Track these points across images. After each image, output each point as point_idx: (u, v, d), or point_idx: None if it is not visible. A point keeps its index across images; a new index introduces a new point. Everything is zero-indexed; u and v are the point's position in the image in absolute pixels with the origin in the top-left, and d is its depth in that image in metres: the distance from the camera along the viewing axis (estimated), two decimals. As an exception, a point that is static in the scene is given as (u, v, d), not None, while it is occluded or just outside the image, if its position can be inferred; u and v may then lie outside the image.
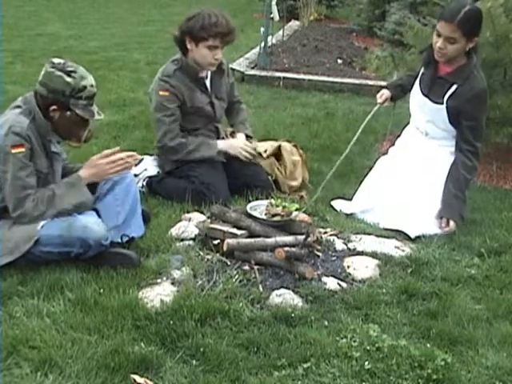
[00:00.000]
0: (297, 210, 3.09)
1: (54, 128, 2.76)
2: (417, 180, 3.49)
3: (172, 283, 2.68)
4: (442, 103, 3.43)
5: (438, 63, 3.48)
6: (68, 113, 2.72)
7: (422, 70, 3.61)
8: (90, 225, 2.70)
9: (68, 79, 2.66)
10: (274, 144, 3.88)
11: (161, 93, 3.54)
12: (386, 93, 3.83)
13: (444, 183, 3.45)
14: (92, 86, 2.73)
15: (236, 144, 3.73)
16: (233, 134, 3.86)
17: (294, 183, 3.80)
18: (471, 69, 3.39)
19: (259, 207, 3.13)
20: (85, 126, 2.80)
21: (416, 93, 3.61)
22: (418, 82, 3.61)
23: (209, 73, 3.67)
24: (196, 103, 3.62)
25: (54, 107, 2.69)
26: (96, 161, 2.84)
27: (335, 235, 3.18)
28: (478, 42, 3.41)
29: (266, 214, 3.06)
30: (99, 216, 2.88)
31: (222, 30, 3.45)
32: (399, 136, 3.90)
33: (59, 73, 2.66)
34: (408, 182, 3.49)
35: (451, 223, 3.33)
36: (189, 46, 3.54)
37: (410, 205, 3.39)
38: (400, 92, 3.87)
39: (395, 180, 3.54)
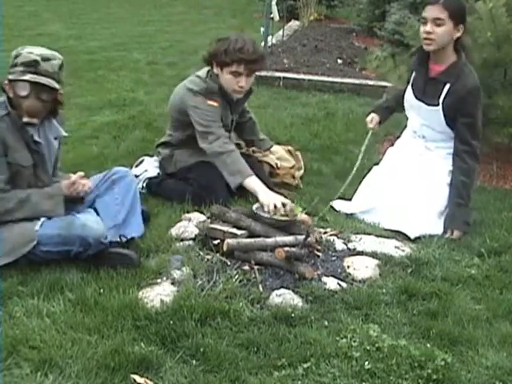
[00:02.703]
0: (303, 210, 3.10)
1: (16, 108, 2.68)
2: (415, 181, 3.49)
3: (172, 283, 2.68)
4: (438, 104, 3.42)
5: (428, 65, 3.48)
6: (12, 84, 2.66)
7: (414, 75, 3.60)
8: (90, 223, 2.70)
9: (13, 54, 2.66)
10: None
11: (209, 102, 3.46)
12: (375, 117, 3.83)
13: (443, 184, 3.45)
14: (30, 52, 2.65)
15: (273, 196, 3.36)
16: (265, 151, 3.94)
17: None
18: (462, 66, 3.40)
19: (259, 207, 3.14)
20: (28, 95, 2.65)
21: (410, 98, 3.60)
22: (410, 87, 3.61)
23: None
24: (226, 122, 3.60)
25: (6, 82, 2.66)
26: (77, 179, 2.80)
27: (335, 235, 3.18)
28: (467, 37, 3.42)
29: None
30: (98, 215, 2.89)
31: (247, 57, 3.39)
32: (399, 137, 3.90)
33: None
34: (407, 183, 3.49)
35: (456, 232, 3.32)
36: (215, 71, 3.50)
37: (410, 205, 3.39)
38: (388, 114, 3.90)
39: (394, 181, 3.54)
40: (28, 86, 2.64)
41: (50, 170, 2.86)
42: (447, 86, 3.39)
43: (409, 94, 3.61)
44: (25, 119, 2.68)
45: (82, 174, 2.82)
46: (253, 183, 3.30)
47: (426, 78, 3.50)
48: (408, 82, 3.65)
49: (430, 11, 3.33)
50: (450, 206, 3.40)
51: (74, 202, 2.87)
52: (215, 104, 3.48)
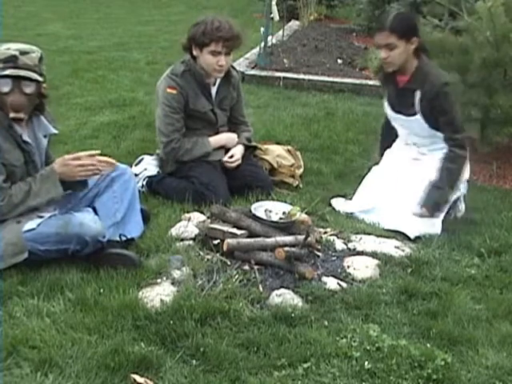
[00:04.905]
0: (302, 210, 3.11)
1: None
2: (413, 181, 3.47)
3: (172, 283, 2.68)
4: (415, 113, 3.44)
5: (395, 77, 3.49)
6: None
7: (387, 90, 3.63)
8: (87, 221, 2.69)
9: None
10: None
11: (168, 90, 3.55)
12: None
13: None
14: (8, 48, 2.64)
15: (232, 136, 3.77)
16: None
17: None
18: (425, 68, 3.40)
19: (262, 207, 3.15)
20: (11, 90, 2.63)
21: (389, 112, 3.63)
22: (386, 102, 3.63)
23: (217, 81, 3.68)
24: (198, 107, 3.62)
25: None
26: (67, 160, 2.75)
27: (335, 235, 3.18)
28: (423, 40, 3.43)
29: (280, 218, 3.09)
30: (96, 213, 2.88)
31: (224, 35, 3.44)
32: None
33: None
34: (405, 183, 3.48)
35: (423, 211, 3.32)
36: (195, 53, 3.55)
37: (408, 205, 3.38)
38: (388, 145, 3.82)
39: (393, 181, 3.54)
40: (10, 81, 2.63)
41: (39, 165, 2.83)
42: (417, 93, 3.39)
43: (387, 109, 3.64)
44: (11, 115, 2.67)
45: (93, 152, 2.79)
46: (216, 141, 3.68)
47: (396, 90, 3.52)
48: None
49: (379, 39, 3.37)
50: (428, 187, 3.41)
51: (74, 189, 2.86)
52: (173, 92, 3.55)
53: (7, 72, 2.61)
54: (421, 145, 3.57)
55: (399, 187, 3.49)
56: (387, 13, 3.44)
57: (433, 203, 3.37)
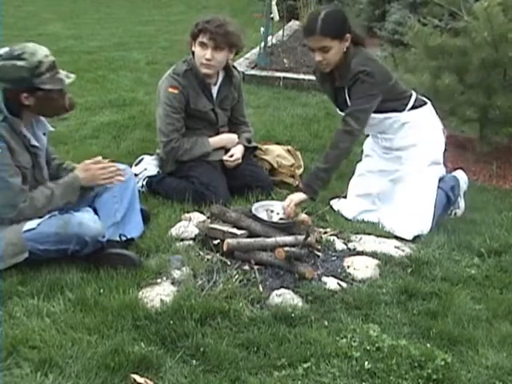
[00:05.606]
0: (302, 210, 3.11)
1: (37, 113, 2.75)
2: (395, 183, 3.47)
3: (172, 283, 2.68)
4: None
5: (331, 76, 3.43)
6: (40, 93, 2.65)
7: (325, 89, 3.61)
8: (86, 221, 2.70)
9: (20, 63, 2.61)
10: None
11: (170, 89, 3.56)
12: None
13: (417, 180, 3.38)
14: (47, 56, 2.67)
15: (233, 136, 3.77)
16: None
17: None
18: (349, 62, 3.28)
19: (263, 208, 3.15)
20: (62, 95, 2.74)
21: (337, 110, 3.57)
22: (332, 101, 3.59)
23: (219, 81, 3.68)
24: (198, 107, 3.62)
25: (24, 95, 2.64)
26: (89, 165, 2.85)
27: (335, 235, 3.18)
28: (354, 32, 3.32)
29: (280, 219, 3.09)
30: (96, 213, 2.88)
31: (210, 27, 3.45)
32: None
33: (10, 62, 2.61)
34: (389, 187, 3.47)
35: (301, 196, 3.24)
36: (193, 48, 3.58)
37: (398, 208, 3.37)
38: None
39: (378, 187, 3.51)
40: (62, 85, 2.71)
41: (44, 168, 2.86)
42: (346, 90, 3.34)
43: (335, 109, 3.60)
44: (67, 114, 2.86)
45: (99, 158, 2.88)
46: (216, 142, 3.69)
47: (333, 89, 3.48)
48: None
49: (312, 43, 3.26)
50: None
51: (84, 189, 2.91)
52: (175, 91, 3.55)
53: (71, 79, 2.75)
54: (382, 132, 3.50)
55: (386, 187, 3.47)
56: (315, 14, 3.27)
57: (308, 183, 3.29)
